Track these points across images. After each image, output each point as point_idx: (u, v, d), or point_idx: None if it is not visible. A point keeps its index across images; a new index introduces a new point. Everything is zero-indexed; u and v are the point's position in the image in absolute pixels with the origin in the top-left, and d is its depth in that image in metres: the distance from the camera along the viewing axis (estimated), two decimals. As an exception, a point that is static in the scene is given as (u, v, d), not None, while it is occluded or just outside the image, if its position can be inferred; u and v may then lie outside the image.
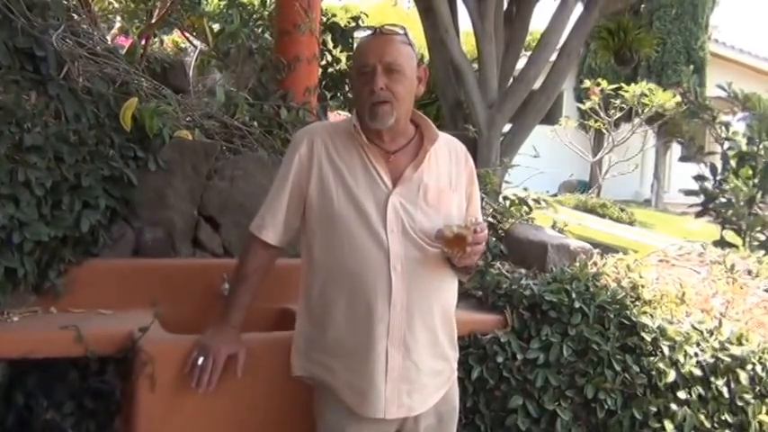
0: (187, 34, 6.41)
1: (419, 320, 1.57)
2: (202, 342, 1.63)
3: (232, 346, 1.63)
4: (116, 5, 5.73)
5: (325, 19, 4.46)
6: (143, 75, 2.88)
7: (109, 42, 3.53)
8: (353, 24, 5.45)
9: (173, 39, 7.11)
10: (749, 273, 2.96)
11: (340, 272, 1.56)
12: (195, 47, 6.24)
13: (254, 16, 5.74)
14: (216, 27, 5.61)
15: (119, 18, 5.85)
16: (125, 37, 5.43)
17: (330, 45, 4.33)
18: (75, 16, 2.95)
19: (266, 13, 5.86)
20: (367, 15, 5.93)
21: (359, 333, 1.55)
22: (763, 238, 4.08)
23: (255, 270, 1.66)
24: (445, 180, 1.64)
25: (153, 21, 5.04)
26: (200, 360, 1.59)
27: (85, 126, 2.21)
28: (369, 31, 1.65)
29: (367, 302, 1.54)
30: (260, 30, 5.11)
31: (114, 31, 5.65)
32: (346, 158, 1.60)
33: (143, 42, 4.35)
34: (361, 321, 1.54)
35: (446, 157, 1.67)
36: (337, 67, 4.14)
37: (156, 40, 6.03)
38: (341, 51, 5.73)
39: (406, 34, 1.62)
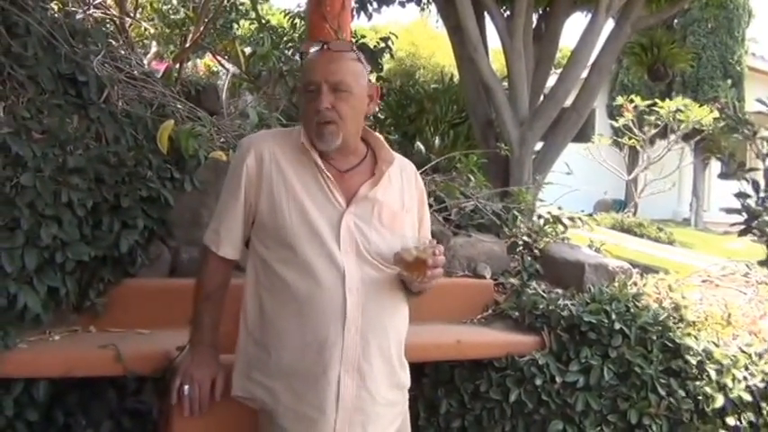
0: (219, 58, 6.57)
1: (375, 346, 1.49)
2: (184, 369, 1.58)
3: (213, 370, 1.58)
4: (152, 31, 5.92)
5: (354, 40, 4.50)
6: (178, 97, 2.95)
7: (146, 66, 3.63)
8: (383, 45, 5.52)
9: (205, 62, 7.30)
10: (798, 293, 2.84)
11: (290, 291, 1.47)
12: (227, 70, 6.39)
13: (285, 39, 5.86)
14: (248, 50, 5.74)
15: (154, 43, 6.03)
16: (159, 61, 5.60)
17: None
18: (114, 42, 3.05)
19: (296, 35, 5.98)
20: (396, 36, 5.99)
21: (308, 357, 1.46)
22: (809, 256, 3.91)
23: (218, 287, 1.59)
24: (398, 202, 1.58)
25: (187, 45, 5.17)
26: (186, 389, 1.55)
27: (124, 148, 2.27)
28: (316, 47, 1.55)
29: (319, 325, 1.45)
30: (290, 52, 5.20)
31: (150, 55, 5.83)
32: (299, 173, 1.51)
33: (177, 66, 4.46)
34: (313, 345, 1.46)
35: (398, 177, 1.61)
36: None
37: (189, 63, 6.19)
38: (370, 72, 5.79)
39: (354, 51, 1.55)
